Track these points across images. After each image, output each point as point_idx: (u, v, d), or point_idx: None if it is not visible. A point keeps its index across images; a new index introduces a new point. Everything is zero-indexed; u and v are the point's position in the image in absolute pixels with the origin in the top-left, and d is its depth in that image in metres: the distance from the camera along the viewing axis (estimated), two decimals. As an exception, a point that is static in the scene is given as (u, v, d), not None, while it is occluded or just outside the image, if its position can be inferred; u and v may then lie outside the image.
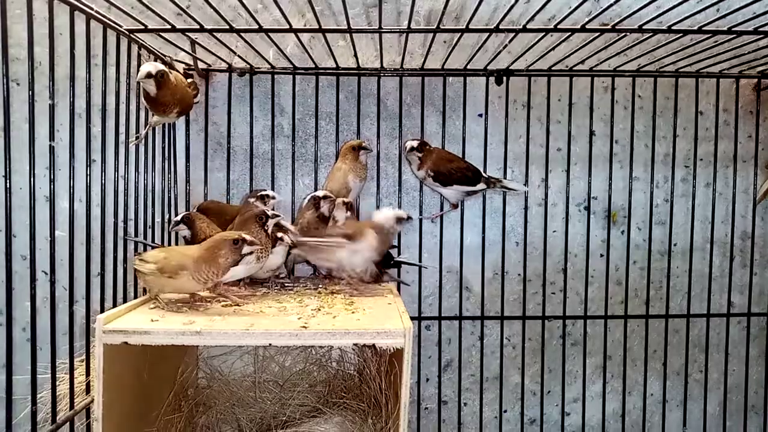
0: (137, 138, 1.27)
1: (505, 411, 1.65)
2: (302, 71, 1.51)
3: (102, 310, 1.09)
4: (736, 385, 1.66)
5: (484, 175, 1.48)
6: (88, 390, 1.08)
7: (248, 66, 1.47)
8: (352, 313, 1.07)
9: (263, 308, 1.09)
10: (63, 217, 1.01)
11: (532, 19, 1.09)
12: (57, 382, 1.00)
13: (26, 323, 0.93)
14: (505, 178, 1.54)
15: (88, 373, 1.08)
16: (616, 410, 1.66)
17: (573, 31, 1.16)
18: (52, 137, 0.94)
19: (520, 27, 1.14)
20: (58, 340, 0.99)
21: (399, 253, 1.56)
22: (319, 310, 1.08)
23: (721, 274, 1.63)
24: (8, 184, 0.89)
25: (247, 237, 1.06)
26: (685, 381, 1.64)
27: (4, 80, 0.86)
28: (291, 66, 1.48)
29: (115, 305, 1.15)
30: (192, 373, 1.34)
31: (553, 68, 1.47)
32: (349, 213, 1.39)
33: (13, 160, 0.90)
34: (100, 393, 0.90)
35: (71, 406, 1.03)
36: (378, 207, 1.56)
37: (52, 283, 0.96)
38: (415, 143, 1.43)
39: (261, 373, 1.41)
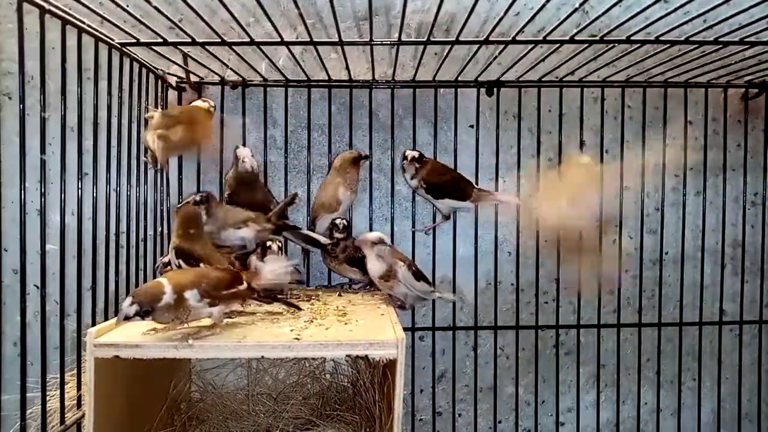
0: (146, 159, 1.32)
1: (500, 422, 1.65)
2: (294, 84, 1.52)
3: (93, 324, 1.08)
4: (730, 393, 1.67)
5: (476, 187, 1.48)
6: (79, 405, 1.07)
7: (241, 79, 1.48)
8: (345, 324, 1.07)
9: (256, 320, 1.09)
10: (54, 231, 1.01)
11: (521, 30, 1.10)
12: (47, 397, 0.99)
13: (16, 338, 0.92)
14: (497, 189, 1.55)
15: (79, 388, 1.07)
16: (610, 419, 1.66)
17: (562, 42, 1.17)
18: (43, 151, 0.95)
19: (510, 39, 1.15)
20: (49, 355, 0.98)
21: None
22: (312, 321, 1.08)
23: (712, 282, 1.64)
24: (-1, 198, 0.89)
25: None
26: (679, 389, 1.64)
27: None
28: (283, 78, 1.49)
29: (106, 319, 1.14)
30: (184, 386, 1.34)
31: (543, 79, 1.48)
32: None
33: (4, 174, 0.90)
34: (91, 407, 0.89)
35: (62, 421, 1.02)
36: (371, 218, 1.57)
37: (43, 296, 0.96)
38: (416, 153, 1.45)
39: (254, 386, 1.40)
